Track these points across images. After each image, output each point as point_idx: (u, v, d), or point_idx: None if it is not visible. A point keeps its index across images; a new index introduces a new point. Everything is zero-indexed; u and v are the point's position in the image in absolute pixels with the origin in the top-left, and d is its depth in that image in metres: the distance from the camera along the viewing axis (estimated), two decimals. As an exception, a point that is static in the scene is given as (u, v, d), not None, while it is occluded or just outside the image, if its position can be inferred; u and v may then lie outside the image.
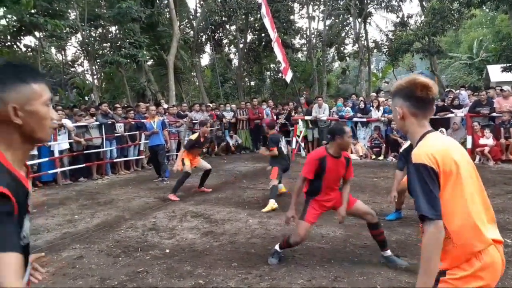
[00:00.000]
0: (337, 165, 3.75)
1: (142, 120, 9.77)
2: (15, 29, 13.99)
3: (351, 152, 11.38)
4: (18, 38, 15.03)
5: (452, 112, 10.43)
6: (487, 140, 9.52)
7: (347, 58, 26.57)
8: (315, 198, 3.81)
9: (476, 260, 1.63)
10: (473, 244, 1.64)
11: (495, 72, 22.66)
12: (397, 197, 5.27)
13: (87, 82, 23.32)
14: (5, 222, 1.07)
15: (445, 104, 10.76)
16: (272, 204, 5.99)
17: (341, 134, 3.66)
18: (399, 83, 1.81)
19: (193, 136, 7.26)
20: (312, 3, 23.18)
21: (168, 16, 18.61)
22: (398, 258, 3.84)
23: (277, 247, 4.01)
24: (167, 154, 9.77)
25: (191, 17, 23.65)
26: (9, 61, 1.28)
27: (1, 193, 1.08)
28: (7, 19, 14.27)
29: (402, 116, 1.76)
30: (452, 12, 18.22)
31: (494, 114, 9.86)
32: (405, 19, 21.92)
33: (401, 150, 5.28)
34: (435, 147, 1.65)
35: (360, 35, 22.34)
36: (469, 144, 9.63)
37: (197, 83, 25.28)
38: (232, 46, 27.07)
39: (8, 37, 14.52)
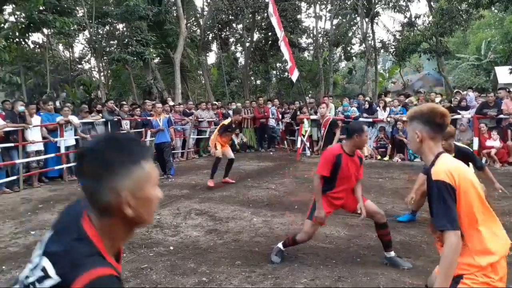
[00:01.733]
0: (351, 163, 3.79)
1: (148, 118, 9.80)
2: (23, 26, 14.07)
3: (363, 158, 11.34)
4: (27, 35, 15.12)
5: (459, 114, 10.37)
6: (494, 142, 9.45)
7: (354, 58, 26.44)
8: (326, 194, 3.81)
9: (492, 272, 1.81)
10: (490, 251, 1.82)
11: (503, 74, 22.48)
12: (416, 199, 5.21)
13: (94, 79, 23.44)
14: None
15: (452, 105, 10.69)
16: None
17: (359, 132, 3.72)
18: (419, 109, 2.01)
19: (226, 121, 7.81)
20: (319, 2, 23.09)
21: (175, 14, 18.65)
22: (401, 260, 3.84)
23: (280, 245, 4.00)
24: (172, 151, 9.80)
25: (198, 15, 23.66)
26: (113, 136, 1.06)
27: (110, 275, 0.95)
28: (16, 16, 14.37)
29: (421, 139, 1.96)
30: (461, 12, 18.08)
31: (501, 116, 9.78)
32: (413, 19, 21.75)
33: None
34: (451, 165, 1.87)
35: (367, 35, 22.23)
36: (475, 146, 9.56)
37: (203, 82, 25.31)
38: (239, 44, 27.07)
39: (17, 34, 14.61)
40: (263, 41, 23.64)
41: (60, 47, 23.82)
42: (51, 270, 0.95)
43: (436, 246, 2.00)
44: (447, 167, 1.84)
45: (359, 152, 3.93)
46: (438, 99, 11.57)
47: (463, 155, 4.19)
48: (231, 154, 7.87)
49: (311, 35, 25.40)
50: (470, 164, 4.33)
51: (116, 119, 9.52)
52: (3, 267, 3.94)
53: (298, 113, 12.57)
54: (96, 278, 0.92)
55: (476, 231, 1.83)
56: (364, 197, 3.92)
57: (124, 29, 19.02)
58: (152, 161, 1.08)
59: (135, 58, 15.67)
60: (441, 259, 1.81)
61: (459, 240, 1.76)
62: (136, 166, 1.00)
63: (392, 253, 3.86)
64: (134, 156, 1.01)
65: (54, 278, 0.94)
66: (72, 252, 0.97)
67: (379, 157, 10.95)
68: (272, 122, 13.52)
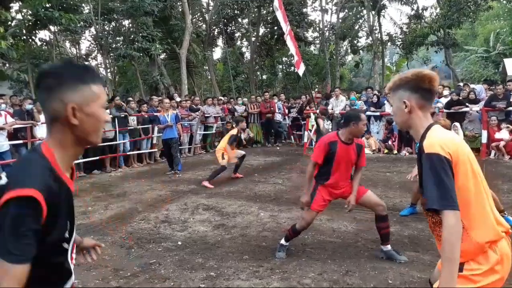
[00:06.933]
0: (347, 151, 3.75)
1: (156, 114, 9.82)
2: (30, 23, 14.16)
3: (364, 146, 11.29)
4: (34, 32, 15.23)
5: (467, 107, 10.25)
6: (503, 134, 9.34)
7: (361, 51, 26.30)
8: (324, 184, 3.80)
9: (492, 253, 1.62)
10: (488, 234, 1.63)
11: (512, 66, 22.18)
12: (414, 191, 5.18)
13: (101, 75, 23.52)
14: (22, 226, 1.02)
15: (460, 98, 10.58)
16: None
17: (356, 120, 3.66)
18: (403, 75, 1.76)
19: (233, 131, 7.91)
20: (325, -5, 22.97)
21: (180, 9, 18.64)
22: (397, 254, 3.81)
23: (282, 241, 4.02)
24: (180, 147, 9.83)
25: (203, 10, 23.65)
26: (69, 61, 1.28)
27: (30, 197, 1.03)
28: (23, 13, 14.45)
29: (409, 110, 1.72)
30: (469, 4, 17.85)
31: (510, 108, 9.65)
32: (420, 11, 21.55)
33: None
34: (446, 137, 1.64)
35: (374, 28, 22.06)
36: (484, 139, 9.47)
37: (209, 77, 25.33)
38: (244, 39, 27.01)
39: (24, 31, 14.71)
40: (269, 35, 23.58)
41: (67, 44, 23.95)
42: (3, 178, 1.10)
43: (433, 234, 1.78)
44: (441, 139, 1.62)
45: (359, 140, 3.90)
46: (446, 92, 11.43)
47: None
48: (241, 152, 8.13)
49: (317, 28, 25.30)
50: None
51: (123, 115, 9.55)
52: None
53: (308, 108, 12.53)
54: (14, 198, 1.03)
55: (468, 211, 1.62)
56: (364, 188, 3.88)
57: (130, 25, 19.05)
58: (101, 84, 1.25)
59: (141, 54, 15.73)
60: (442, 244, 1.55)
61: (458, 221, 1.52)
62: (85, 85, 1.19)
63: (389, 247, 3.84)
64: (85, 78, 1.20)
65: (3, 180, 1.09)
66: (20, 166, 1.15)
67: (386, 150, 10.90)
68: (278, 117, 13.49)
